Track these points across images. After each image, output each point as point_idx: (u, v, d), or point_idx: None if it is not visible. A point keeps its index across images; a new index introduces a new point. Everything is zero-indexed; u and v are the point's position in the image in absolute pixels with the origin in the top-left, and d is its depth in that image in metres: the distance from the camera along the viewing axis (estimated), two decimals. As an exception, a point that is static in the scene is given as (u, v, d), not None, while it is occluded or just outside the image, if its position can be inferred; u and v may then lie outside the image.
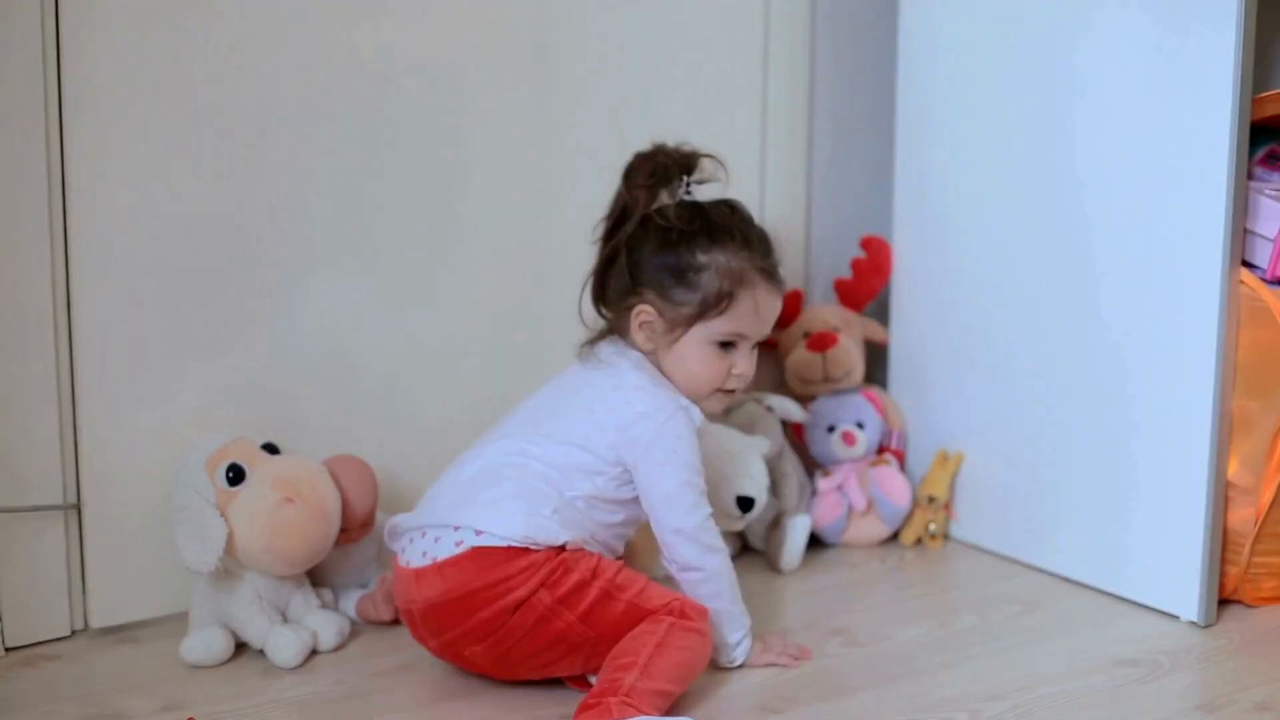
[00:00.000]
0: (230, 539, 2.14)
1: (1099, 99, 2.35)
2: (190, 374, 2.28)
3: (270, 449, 2.22)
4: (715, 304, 2.11)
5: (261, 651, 2.19)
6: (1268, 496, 2.31)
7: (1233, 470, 2.31)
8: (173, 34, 2.19)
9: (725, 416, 2.58)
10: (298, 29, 2.29)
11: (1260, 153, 2.41)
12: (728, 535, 2.55)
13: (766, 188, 2.76)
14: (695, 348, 2.13)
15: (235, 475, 2.16)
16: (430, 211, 2.43)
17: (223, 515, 2.14)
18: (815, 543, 2.66)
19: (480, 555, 2.00)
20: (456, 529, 2.03)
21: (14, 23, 2.08)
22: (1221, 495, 2.30)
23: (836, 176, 2.84)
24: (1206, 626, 2.32)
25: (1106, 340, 2.38)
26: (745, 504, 2.41)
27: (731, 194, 2.69)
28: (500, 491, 2.05)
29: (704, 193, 2.17)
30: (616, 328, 2.18)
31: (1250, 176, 2.31)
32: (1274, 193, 2.30)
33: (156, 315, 2.24)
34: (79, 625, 2.27)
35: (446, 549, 2.02)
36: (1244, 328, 2.24)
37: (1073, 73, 2.39)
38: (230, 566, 2.18)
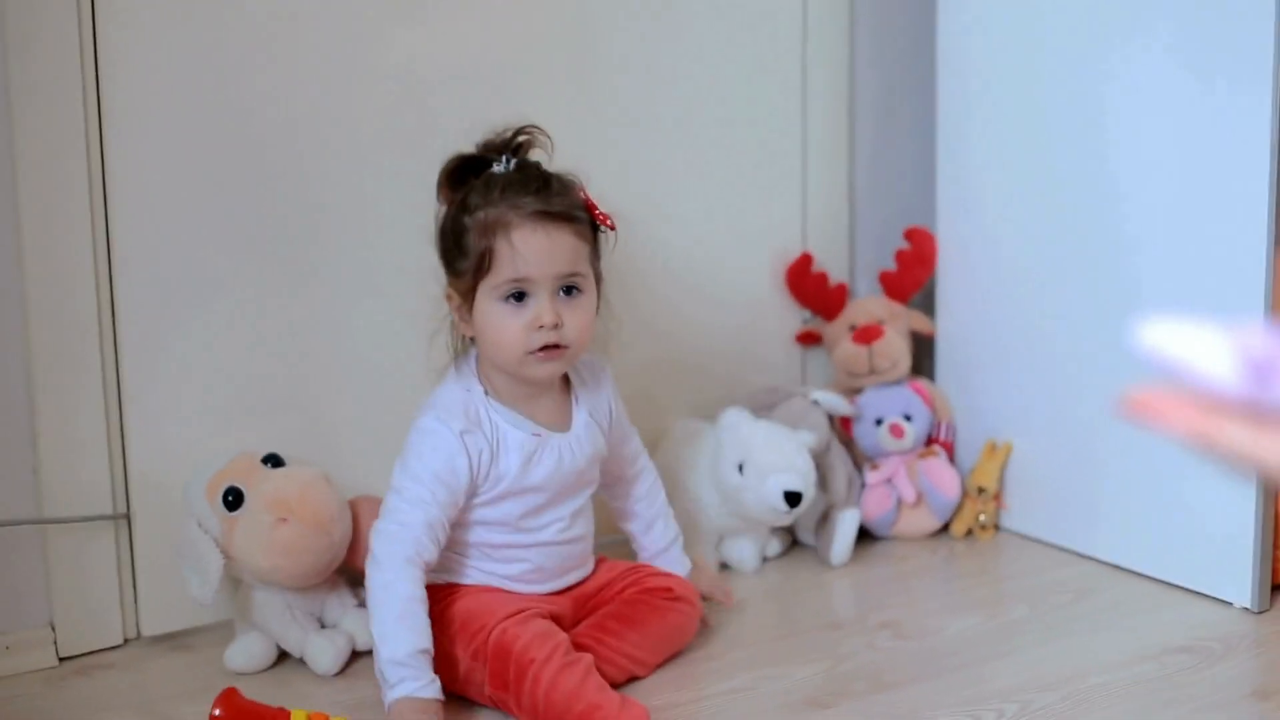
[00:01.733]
0: (239, 564, 2.15)
1: (1137, 88, 2.34)
2: (233, 379, 2.29)
3: (273, 460, 2.23)
4: (480, 260, 1.99)
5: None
6: (1319, 480, 2.29)
7: (1279, 454, 2.30)
8: (209, 39, 2.21)
9: (771, 410, 2.57)
10: (330, 32, 2.29)
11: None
12: (778, 530, 2.55)
13: (809, 183, 2.76)
14: (485, 314, 2.01)
15: (234, 499, 2.17)
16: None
17: (229, 543, 2.15)
18: (865, 536, 2.65)
19: None
20: None
21: (52, 32, 2.09)
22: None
23: (879, 169, 2.84)
24: (1260, 612, 2.30)
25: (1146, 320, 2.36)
26: (793, 499, 2.40)
27: (772, 190, 2.72)
28: None
29: None
30: (461, 333, 2.12)
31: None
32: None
33: (200, 324, 2.25)
34: (131, 634, 2.28)
35: None
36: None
37: (1110, 63, 2.38)
38: (252, 582, 2.20)
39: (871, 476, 2.65)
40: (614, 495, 2.32)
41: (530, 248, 1.98)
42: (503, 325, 2.01)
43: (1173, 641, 2.23)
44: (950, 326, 2.75)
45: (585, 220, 2.05)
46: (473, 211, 2.00)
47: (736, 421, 2.47)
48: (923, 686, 2.09)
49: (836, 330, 2.75)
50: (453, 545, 2.09)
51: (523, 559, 2.12)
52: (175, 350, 2.24)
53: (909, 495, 2.63)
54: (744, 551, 2.52)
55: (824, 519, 2.58)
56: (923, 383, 2.74)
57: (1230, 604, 2.33)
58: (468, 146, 2.07)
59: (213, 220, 2.24)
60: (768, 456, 2.41)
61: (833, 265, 2.79)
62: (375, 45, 2.33)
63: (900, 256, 2.77)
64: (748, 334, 2.73)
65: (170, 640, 2.29)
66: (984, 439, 2.70)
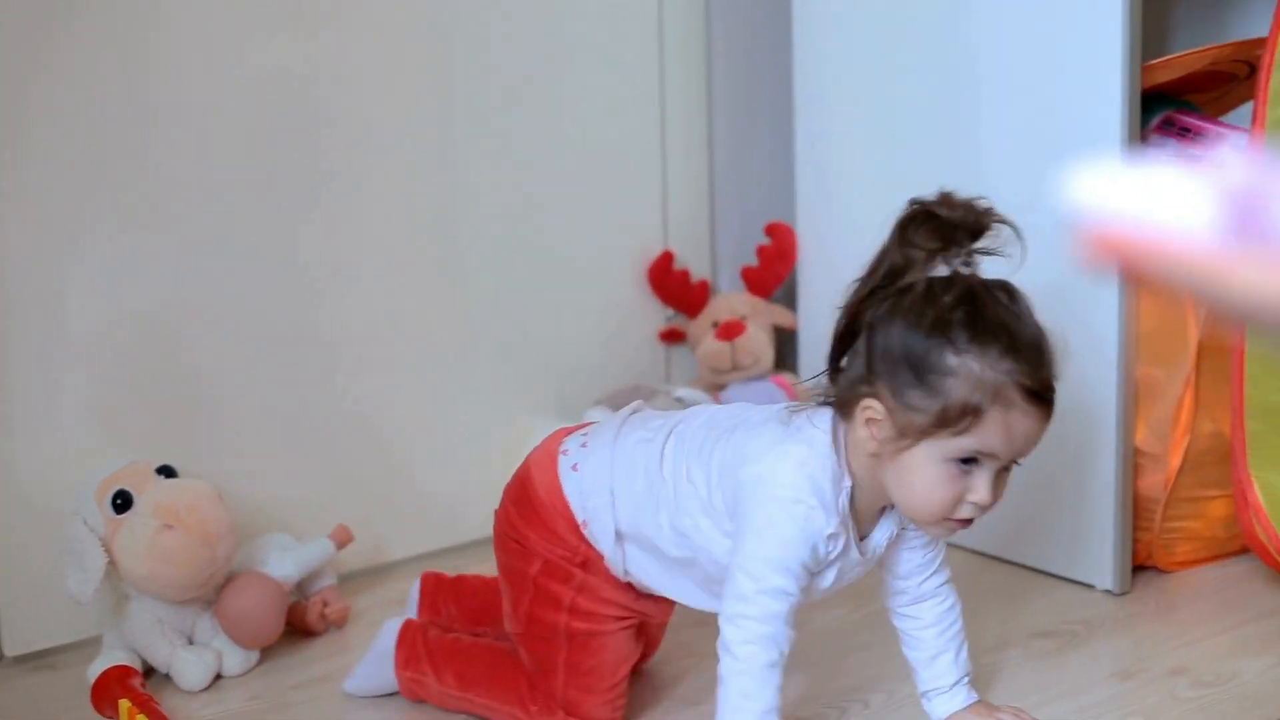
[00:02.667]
0: (119, 568, 2.13)
1: (989, 76, 2.36)
2: (103, 398, 2.26)
3: (167, 471, 2.20)
4: (956, 419, 1.69)
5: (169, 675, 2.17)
6: (1176, 462, 2.32)
7: (1141, 438, 2.33)
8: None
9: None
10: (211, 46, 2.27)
11: (1155, 120, 2.42)
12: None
13: (669, 181, 2.76)
14: (923, 464, 1.72)
15: (123, 502, 2.14)
16: (332, 221, 2.42)
17: (111, 544, 2.12)
18: (733, 532, 2.65)
19: None
20: None
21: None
22: (1131, 463, 2.31)
23: (739, 165, 2.84)
24: (1122, 594, 2.33)
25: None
26: (657, 497, 2.40)
27: (632, 188, 2.72)
28: None
29: (986, 268, 1.78)
30: (840, 411, 1.80)
31: (1145, 144, 2.32)
32: (1170, 160, 2.31)
33: (76, 340, 2.23)
34: (-9, 654, 2.26)
35: None
36: (1145, 296, 2.25)
37: (963, 51, 2.39)
38: (129, 592, 2.17)
39: (738, 472, 2.65)
40: (897, 610, 1.99)
41: (1021, 435, 1.73)
42: (936, 485, 1.73)
43: (1038, 626, 2.25)
44: (811, 320, 2.75)
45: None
46: (962, 353, 1.69)
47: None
48: (791, 678, 2.09)
49: (699, 327, 2.76)
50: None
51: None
52: (52, 362, 2.21)
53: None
54: (612, 551, 2.51)
55: (691, 516, 2.58)
56: (786, 377, 2.75)
57: (1093, 587, 2.35)
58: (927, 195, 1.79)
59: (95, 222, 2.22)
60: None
61: (694, 262, 2.80)
62: (236, 48, 2.31)
63: (761, 252, 2.78)
64: (610, 333, 2.73)
65: (34, 660, 2.25)
66: (848, 431, 2.70)
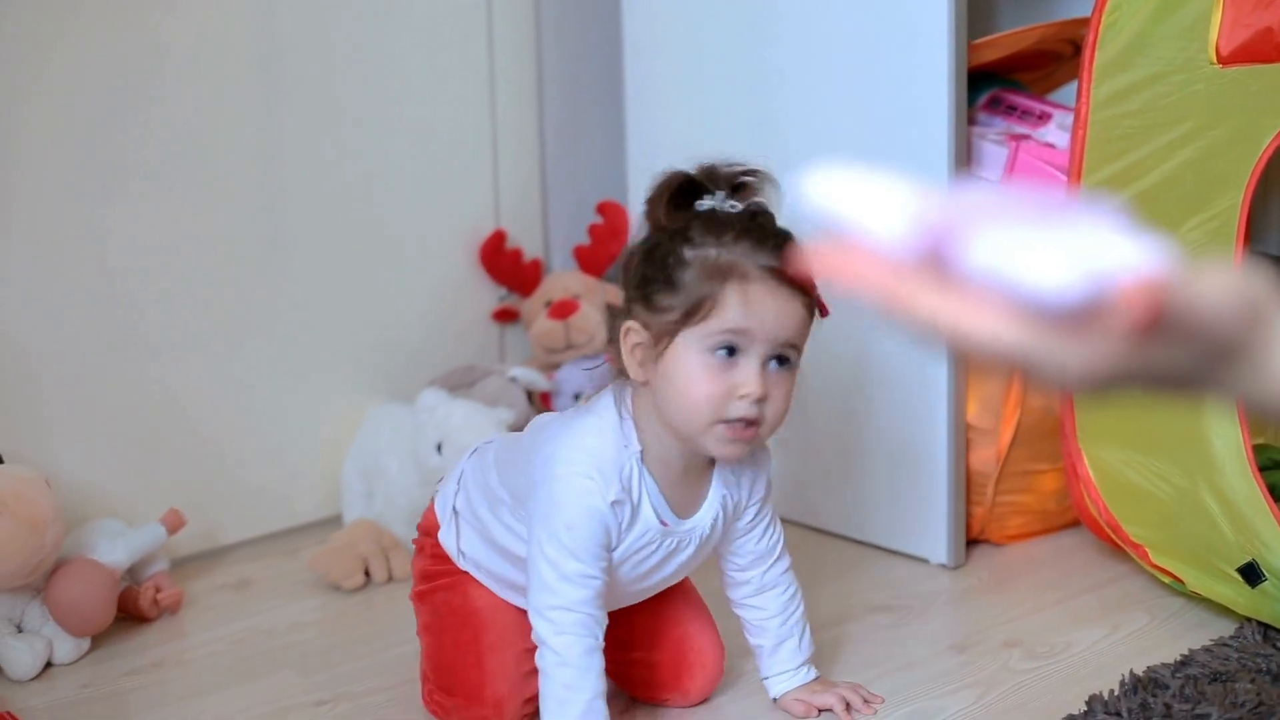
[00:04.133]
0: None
1: (816, 55, 2.37)
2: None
3: (-11, 459, 2.16)
4: (700, 306, 1.70)
5: (-2, 665, 2.14)
6: (1007, 436, 2.35)
7: (972, 413, 2.35)
8: None
9: (469, 389, 2.56)
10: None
11: (982, 98, 2.44)
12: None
13: (500, 160, 2.74)
14: (683, 361, 1.72)
15: (-52, 490, 2.10)
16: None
17: None
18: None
19: None
20: None
21: None
22: (963, 438, 2.34)
23: (570, 144, 2.83)
24: (956, 568, 2.36)
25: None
26: (493, 477, 2.39)
27: (463, 168, 2.70)
28: None
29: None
30: (618, 369, 1.81)
31: (972, 122, 2.35)
32: (997, 138, 2.34)
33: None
34: None
35: None
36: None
37: (790, 28, 2.40)
38: (-46, 581, 2.13)
39: (573, 451, 2.65)
40: (739, 600, 1.99)
41: (764, 305, 1.71)
42: (701, 381, 1.71)
43: (873, 601, 2.27)
44: (645, 299, 2.76)
45: (811, 298, 1.76)
46: (698, 247, 1.71)
47: (434, 402, 2.45)
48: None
49: (533, 306, 2.75)
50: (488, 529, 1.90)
51: None
52: None
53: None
54: (447, 532, 2.50)
55: (527, 495, 2.57)
56: (620, 356, 2.74)
57: (927, 561, 2.38)
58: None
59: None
60: (466, 436, 2.38)
61: (526, 241, 2.78)
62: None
63: (594, 231, 2.77)
64: (443, 314, 2.71)
65: None
66: (682, 409, 2.71)
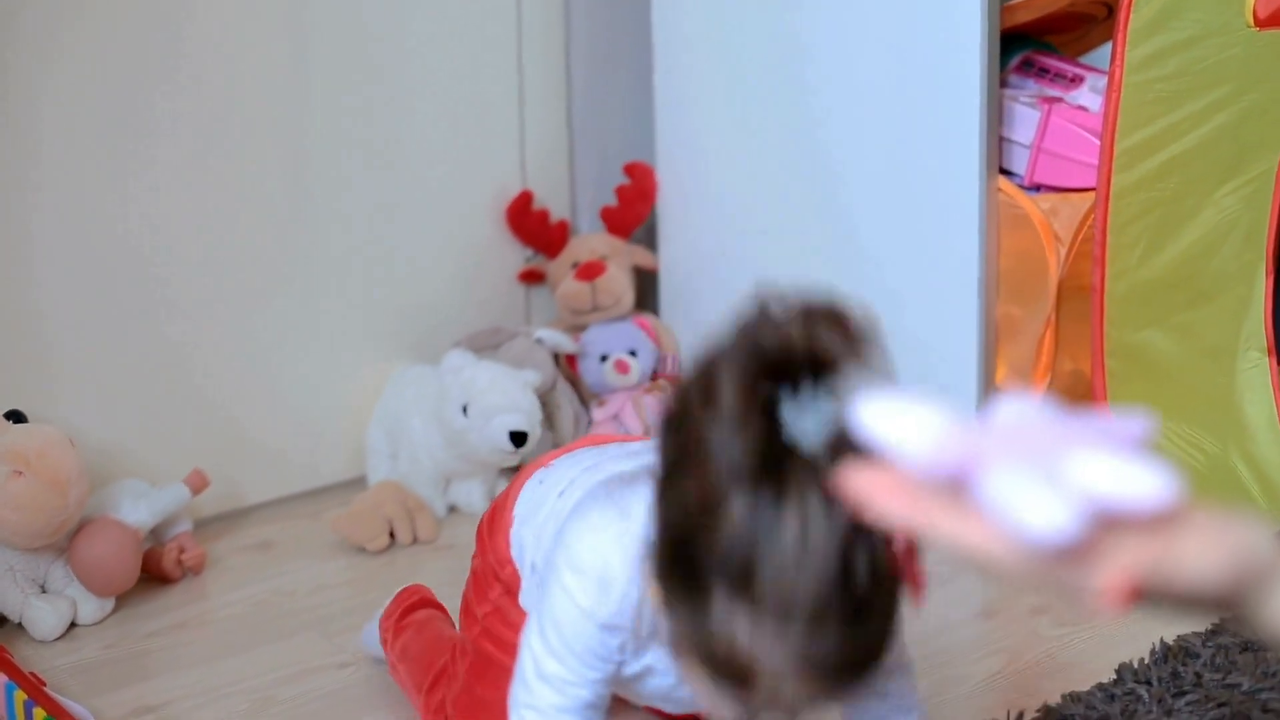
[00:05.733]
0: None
1: (849, 17, 2.35)
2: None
3: (15, 416, 2.15)
4: (723, 675, 1.15)
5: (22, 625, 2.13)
6: (1036, 401, 2.34)
7: (1001, 377, 2.33)
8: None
9: (495, 351, 2.55)
10: None
11: (1014, 60, 2.42)
12: (506, 471, 2.52)
13: (527, 121, 2.72)
14: (693, 674, 1.20)
15: (-30, 449, 2.09)
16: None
17: None
18: (593, 474, 2.63)
19: None
20: None
21: None
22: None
23: (597, 105, 2.81)
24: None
25: (868, 256, 2.38)
26: (518, 439, 2.38)
27: (490, 128, 2.68)
28: None
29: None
30: None
31: (1004, 85, 2.32)
32: (1029, 100, 2.32)
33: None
34: None
35: None
36: (1004, 235, 2.25)
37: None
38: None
39: (598, 413, 2.64)
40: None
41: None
42: (714, 701, 1.23)
43: (899, 566, 2.25)
44: (672, 260, 2.75)
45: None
46: (729, 600, 1.10)
47: (459, 364, 2.44)
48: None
49: (559, 268, 2.73)
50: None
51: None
52: None
53: (636, 430, 2.62)
54: (472, 494, 2.49)
55: (552, 458, 2.56)
56: (647, 318, 2.73)
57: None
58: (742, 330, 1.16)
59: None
60: (492, 397, 2.39)
61: (553, 202, 2.76)
62: None
63: (621, 192, 2.76)
64: (469, 275, 2.69)
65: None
66: (709, 372, 2.69)
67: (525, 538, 1.67)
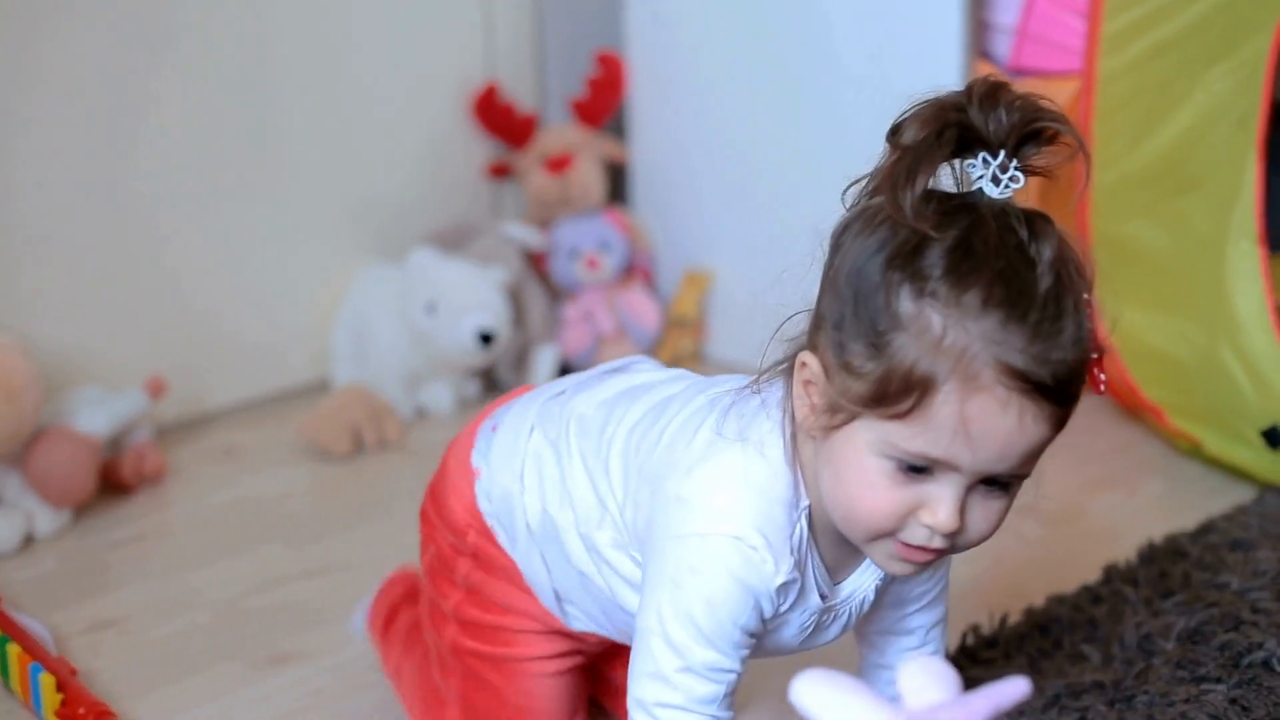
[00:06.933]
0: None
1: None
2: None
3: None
4: (897, 395, 1.18)
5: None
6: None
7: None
8: None
9: (462, 248, 2.49)
10: None
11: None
12: (474, 374, 2.47)
13: (493, 8, 2.65)
14: (858, 451, 1.22)
15: (-81, 355, 2.04)
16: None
17: None
18: (567, 372, 2.58)
19: None
20: None
21: None
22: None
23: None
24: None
25: (850, 138, 2.33)
26: (486, 338, 2.35)
27: (452, 17, 2.61)
28: None
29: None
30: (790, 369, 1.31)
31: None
32: (1011, -18, 2.28)
33: None
34: None
35: None
36: None
37: None
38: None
39: (569, 311, 2.59)
40: (863, 631, 1.51)
41: (989, 433, 1.18)
42: (875, 490, 1.22)
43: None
44: (644, 152, 2.69)
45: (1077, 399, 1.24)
46: (925, 296, 1.18)
47: (425, 262, 2.40)
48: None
49: (527, 161, 2.67)
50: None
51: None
52: None
53: (608, 328, 2.58)
54: (440, 395, 2.46)
55: (521, 357, 2.52)
56: (619, 212, 2.68)
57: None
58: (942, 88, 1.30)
59: None
60: (459, 296, 2.35)
61: (521, 93, 2.70)
62: None
63: (591, 82, 2.69)
64: (435, 170, 2.63)
65: None
66: (683, 267, 2.65)
67: (504, 483, 1.49)
